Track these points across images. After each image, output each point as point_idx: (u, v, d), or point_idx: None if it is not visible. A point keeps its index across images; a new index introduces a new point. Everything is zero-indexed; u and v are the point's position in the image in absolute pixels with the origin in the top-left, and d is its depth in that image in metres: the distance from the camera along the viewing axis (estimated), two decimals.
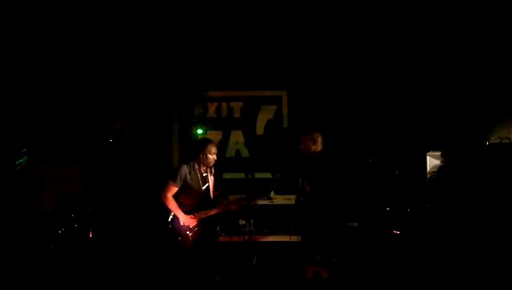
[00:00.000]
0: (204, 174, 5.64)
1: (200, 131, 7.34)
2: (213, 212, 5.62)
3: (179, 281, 5.64)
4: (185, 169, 5.51)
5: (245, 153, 7.69)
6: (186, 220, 5.45)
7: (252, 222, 5.92)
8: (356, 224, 6.14)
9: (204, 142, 5.67)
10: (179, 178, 5.46)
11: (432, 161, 5.93)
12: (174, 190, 5.46)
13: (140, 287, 5.95)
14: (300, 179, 5.75)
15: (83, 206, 6.62)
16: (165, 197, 5.45)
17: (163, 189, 5.49)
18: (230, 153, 7.68)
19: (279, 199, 6.60)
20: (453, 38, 6.64)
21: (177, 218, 5.45)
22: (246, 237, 5.76)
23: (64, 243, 6.32)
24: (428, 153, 5.98)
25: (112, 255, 6.50)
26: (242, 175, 7.29)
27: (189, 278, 5.55)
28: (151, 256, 6.49)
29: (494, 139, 5.67)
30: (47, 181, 6.98)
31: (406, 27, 6.82)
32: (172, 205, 5.43)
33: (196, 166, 5.58)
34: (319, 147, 5.66)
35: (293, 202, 6.20)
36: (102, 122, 7.35)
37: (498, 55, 6.22)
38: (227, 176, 7.39)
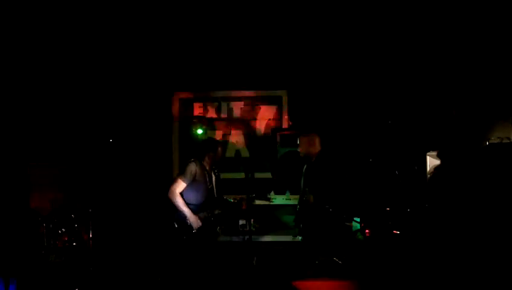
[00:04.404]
0: (209, 173, 5.69)
1: (200, 131, 7.34)
2: (217, 211, 5.64)
3: (179, 280, 5.65)
4: (194, 166, 5.55)
5: (245, 153, 7.69)
6: (193, 219, 5.47)
7: (252, 222, 5.93)
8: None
9: (215, 142, 5.89)
10: (189, 175, 5.50)
11: (432, 161, 5.93)
12: (183, 186, 5.47)
13: (140, 287, 5.95)
14: (301, 185, 5.74)
15: (82, 206, 6.62)
16: (174, 193, 5.45)
17: (172, 185, 5.51)
18: (230, 153, 7.68)
19: (279, 199, 6.62)
20: (452, 38, 6.64)
21: (184, 216, 5.46)
22: (246, 237, 5.77)
23: (64, 243, 6.33)
24: (428, 153, 5.98)
25: (112, 255, 6.50)
26: (242, 175, 7.29)
27: (189, 278, 5.55)
28: (151, 255, 6.49)
29: (494, 139, 5.67)
30: (46, 181, 6.97)
31: (406, 27, 6.81)
32: (180, 201, 5.44)
33: (204, 164, 5.64)
34: (317, 148, 5.65)
35: (293, 202, 6.20)
36: (101, 122, 7.36)
37: (498, 55, 6.22)
38: (227, 176, 7.39)
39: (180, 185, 5.48)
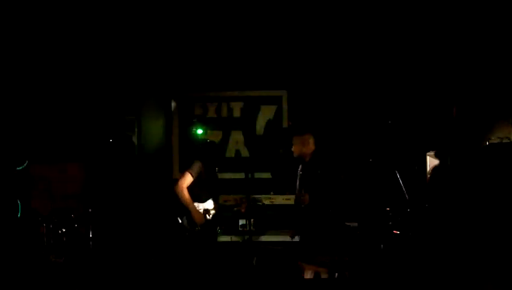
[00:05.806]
0: (210, 173, 5.73)
1: (200, 131, 7.33)
2: (213, 212, 5.65)
3: (179, 280, 5.65)
4: (200, 164, 5.60)
5: (245, 153, 7.68)
6: (197, 215, 5.49)
7: (252, 222, 5.93)
8: (356, 224, 6.15)
9: (216, 144, 6.05)
10: (197, 169, 5.55)
11: (432, 161, 5.94)
12: (190, 180, 5.50)
13: (140, 287, 5.95)
14: (297, 184, 5.73)
15: (82, 206, 6.62)
16: (181, 187, 5.46)
17: (179, 179, 5.53)
18: (230, 153, 7.68)
19: (279, 199, 6.61)
20: (452, 38, 6.65)
21: (188, 211, 5.47)
22: (246, 237, 5.77)
23: (64, 243, 6.33)
24: (428, 153, 5.98)
25: (112, 255, 6.50)
26: (242, 175, 7.28)
27: (189, 277, 5.56)
28: (152, 255, 6.50)
29: (494, 139, 5.67)
30: (46, 181, 6.97)
31: (406, 27, 6.82)
32: (186, 196, 5.46)
33: (207, 165, 5.69)
34: (311, 148, 5.63)
35: (293, 202, 6.20)
36: (102, 121, 7.35)
37: (498, 55, 6.22)
38: (227, 176, 7.39)
39: (188, 179, 5.51)
